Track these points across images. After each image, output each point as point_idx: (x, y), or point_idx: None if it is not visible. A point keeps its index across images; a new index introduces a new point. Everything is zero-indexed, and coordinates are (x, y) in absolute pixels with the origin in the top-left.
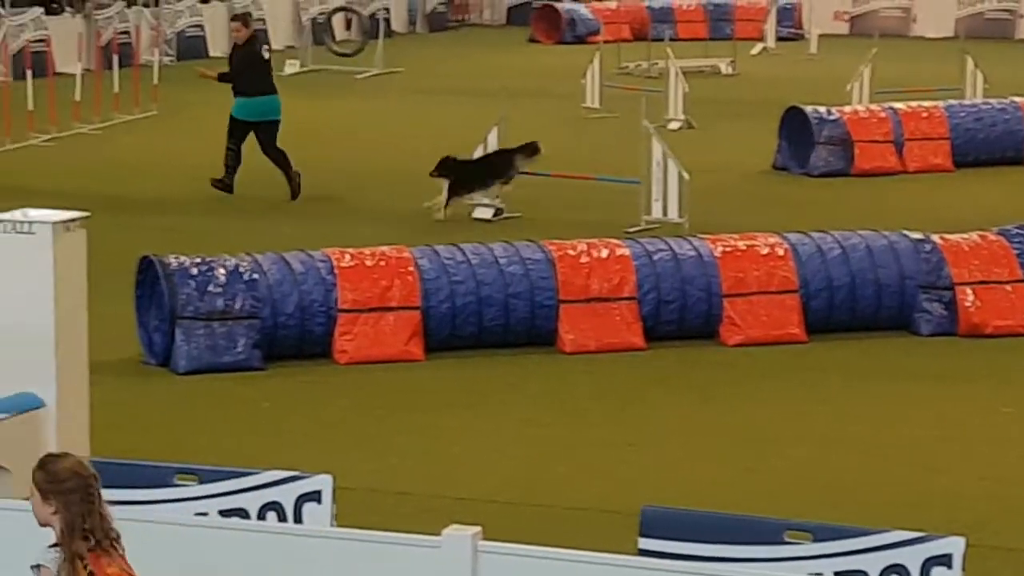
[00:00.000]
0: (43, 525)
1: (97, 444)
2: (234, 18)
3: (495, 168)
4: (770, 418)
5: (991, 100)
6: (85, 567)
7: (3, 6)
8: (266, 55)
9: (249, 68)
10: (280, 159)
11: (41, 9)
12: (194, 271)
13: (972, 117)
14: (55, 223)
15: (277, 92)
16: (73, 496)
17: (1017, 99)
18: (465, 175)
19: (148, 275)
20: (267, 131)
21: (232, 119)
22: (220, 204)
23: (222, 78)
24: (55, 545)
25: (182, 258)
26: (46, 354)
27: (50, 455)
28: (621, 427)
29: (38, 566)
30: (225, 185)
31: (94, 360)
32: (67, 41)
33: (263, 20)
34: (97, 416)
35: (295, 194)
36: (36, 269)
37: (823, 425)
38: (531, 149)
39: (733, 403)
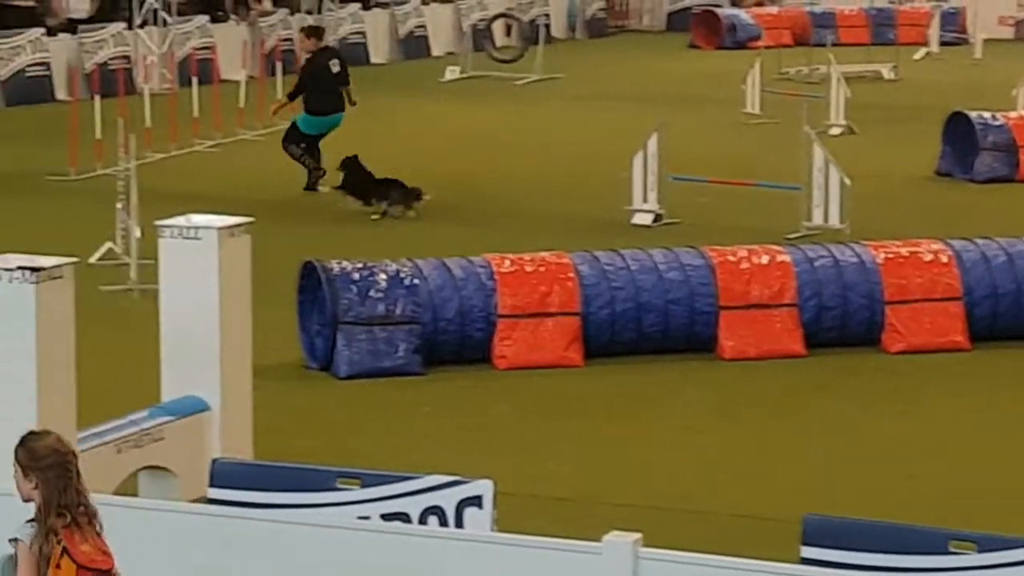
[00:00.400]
0: (26, 500)
1: (260, 448)
2: (303, 30)
3: (376, 189)
4: (933, 426)
5: None
6: (59, 542)
7: (169, 14)
8: (335, 69)
9: (316, 83)
10: (298, 155)
11: (206, 17)
12: (356, 276)
13: None
14: (220, 229)
15: (344, 109)
16: (51, 472)
17: None
18: (355, 180)
19: (310, 280)
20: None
21: (295, 128)
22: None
23: (291, 96)
24: (32, 520)
25: (344, 263)
26: (211, 358)
27: (32, 432)
28: (782, 434)
29: (15, 539)
30: (314, 182)
31: (257, 364)
32: (232, 48)
33: (424, 27)
34: (260, 420)
35: (308, 188)
36: (202, 274)
37: (987, 433)
38: (413, 195)
39: (895, 411)
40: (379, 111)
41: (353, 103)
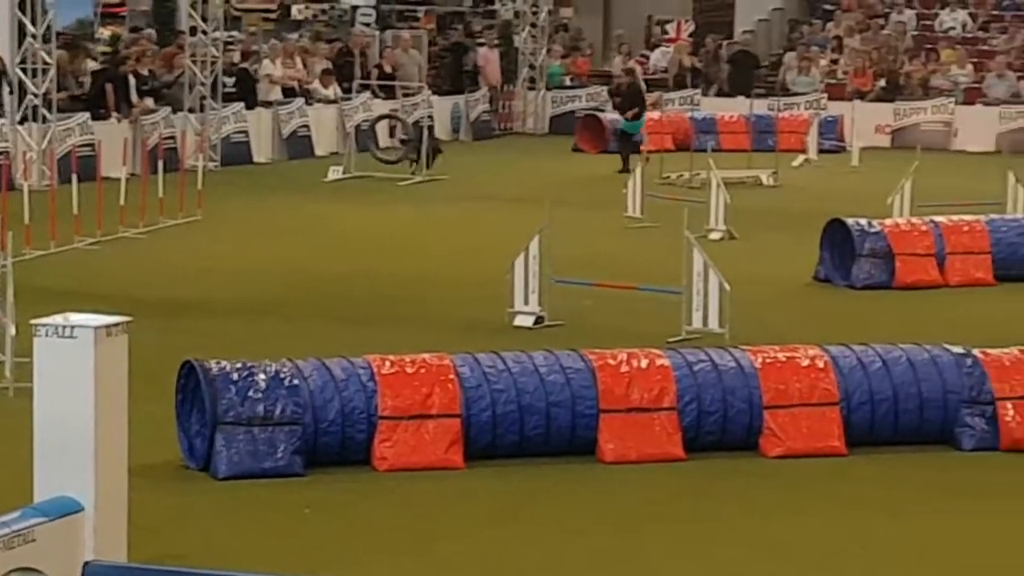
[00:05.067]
0: None
1: (136, 550)
2: None
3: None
4: (810, 530)
5: None
6: None
7: (50, 110)
8: None
9: None
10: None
11: (88, 114)
12: (235, 376)
13: (1014, 232)
14: (97, 328)
15: None
16: None
17: None
18: None
19: (190, 380)
20: None
21: None
22: (262, 309)
23: None
24: None
25: (223, 363)
26: (85, 458)
27: None
28: (663, 538)
29: None
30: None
31: (134, 464)
32: (113, 146)
33: (307, 126)
34: (136, 521)
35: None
36: (77, 373)
37: (862, 538)
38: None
39: (773, 514)
40: (262, 210)
41: None
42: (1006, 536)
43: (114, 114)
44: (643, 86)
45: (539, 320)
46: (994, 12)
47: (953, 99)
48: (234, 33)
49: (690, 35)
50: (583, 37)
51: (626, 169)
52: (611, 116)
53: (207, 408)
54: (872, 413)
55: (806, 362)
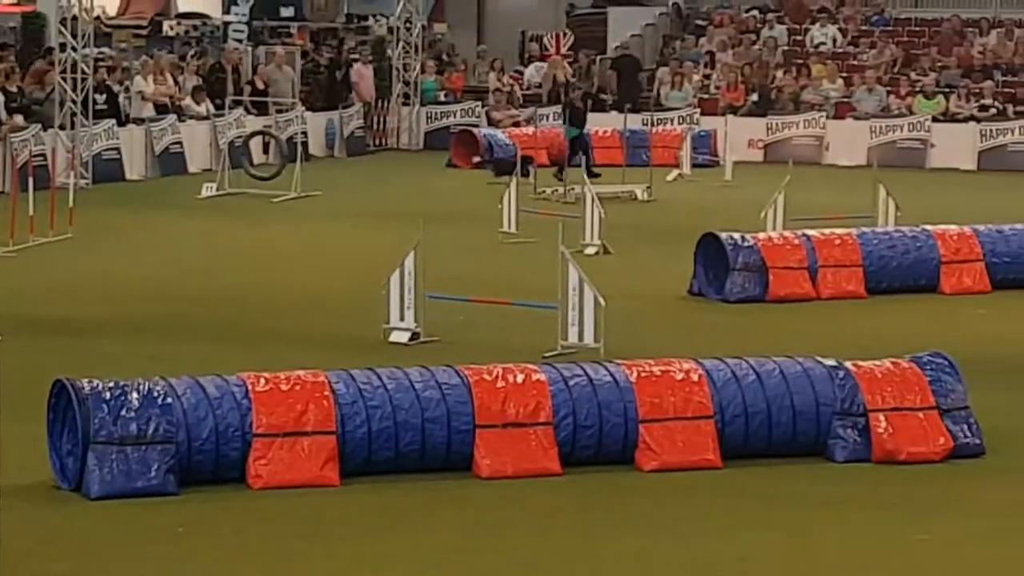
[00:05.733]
0: None
1: (7, 572)
2: None
3: None
4: (686, 543)
5: (903, 228)
6: None
7: None
8: None
9: None
10: None
11: None
12: (108, 395)
13: (885, 245)
14: None
15: None
16: None
17: (929, 227)
18: None
19: (61, 399)
20: None
21: None
22: (134, 327)
23: None
24: None
25: (95, 382)
26: None
27: None
28: (539, 553)
29: None
30: None
31: (5, 485)
32: None
33: (180, 143)
34: (7, 542)
35: None
36: None
37: (737, 550)
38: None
39: (648, 528)
40: (134, 228)
41: None
42: (879, 547)
43: None
44: (579, 100)
45: (415, 336)
46: (863, 28)
47: (824, 113)
48: (104, 49)
49: (568, 49)
50: (457, 53)
51: (560, 174)
52: (486, 131)
53: (79, 427)
54: (746, 426)
55: (681, 376)
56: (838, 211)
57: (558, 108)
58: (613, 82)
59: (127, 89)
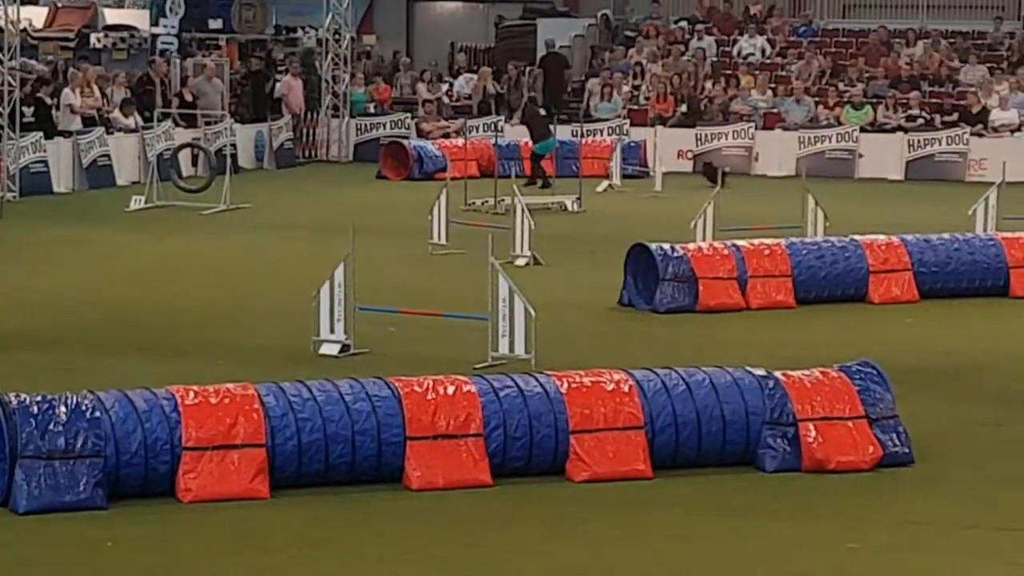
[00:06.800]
0: None
1: None
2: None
3: None
4: (617, 554)
5: (832, 238)
6: None
7: None
8: None
9: None
10: None
11: None
12: (35, 409)
13: (813, 255)
14: None
15: None
16: None
17: (858, 237)
18: None
19: None
20: None
21: None
22: (62, 341)
23: None
24: None
25: (22, 395)
26: None
27: None
28: (470, 565)
29: None
30: None
31: None
32: None
33: (108, 155)
34: None
35: None
36: None
37: (667, 562)
38: None
39: (580, 539)
40: (62, 241)
41: None
42: (809, 556)
43: None
44: (539, 109)
45: (345, 348)
46: (791, 39)
47: (753, 124)
48: (31, 61)
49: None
50: (385, 64)
51: (546, 184)
52: (415, 143)
53: (6, 442)
54: (676, 436)
55: (611, 386)
56: (767, 221)
57: (488, 119)
58: (540, 81)
59: (55, 102)
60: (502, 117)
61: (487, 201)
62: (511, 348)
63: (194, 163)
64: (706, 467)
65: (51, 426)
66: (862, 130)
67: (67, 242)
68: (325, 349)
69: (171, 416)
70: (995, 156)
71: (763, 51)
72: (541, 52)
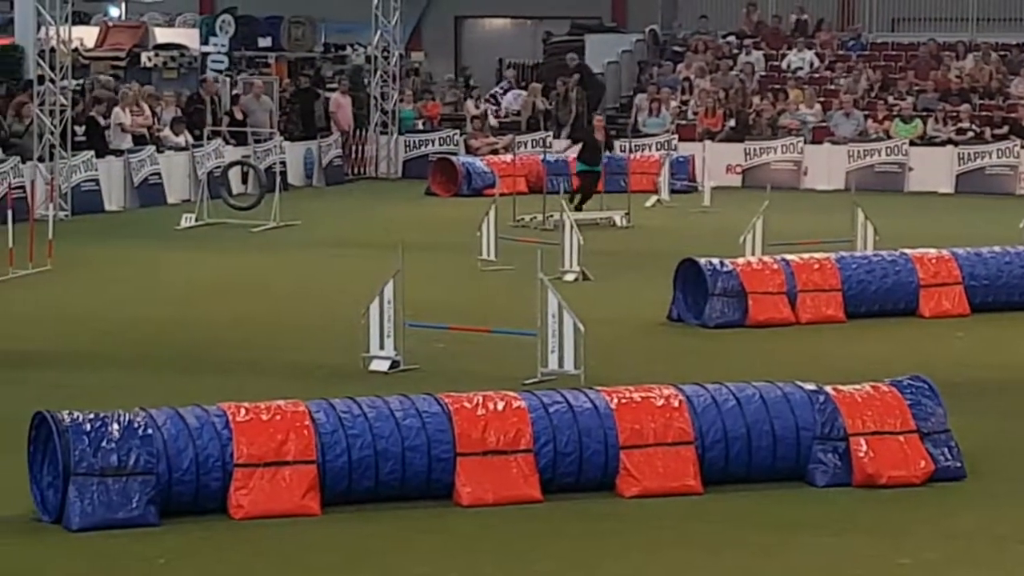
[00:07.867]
0: None
1: None
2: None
3: None
4: (667, 570)
5: (882, 252)
6: None
7: None
8: None
9: None
10: None
11: None
12: (88, 427)
13: (863, 269)
14: None
15: None
16: None
17: (907, 251)
18: None
19: (41, 431)
20: None
21: None
22: (114, 359)
23: None
24: None
25: (76, 413)
26: None
27: None
28: None
29: None
30: None
31: None
32: None
33: (159, 174)
34: None
35: None
36: None
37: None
38: None
39: (629, 555)
40: (114, 259)
41: None
42: (860, 572)
43: None
44: (594, 132)
45: (394, 364)
46: (840, 52)
47: (802, 138)
48: (83, 81)
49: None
50: (434, 81)
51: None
52: (464, 159)
53: (59, 459)
54: (726, 451)
55: (661, 402)
56: (817, 235)
57: (536, 135)
58: (583, 95)
59: (106, 122)
60: (551, 133)
61: (535, 217)
62: (560, 364)
63: (244, 181)
64: (756, 482)
65: (104, 443)
66: (911, 144)
67: (118, 260)
68: (375, 365)
69: (222, 433)
70: None
71: (811, 65)
72: (596, 70)
